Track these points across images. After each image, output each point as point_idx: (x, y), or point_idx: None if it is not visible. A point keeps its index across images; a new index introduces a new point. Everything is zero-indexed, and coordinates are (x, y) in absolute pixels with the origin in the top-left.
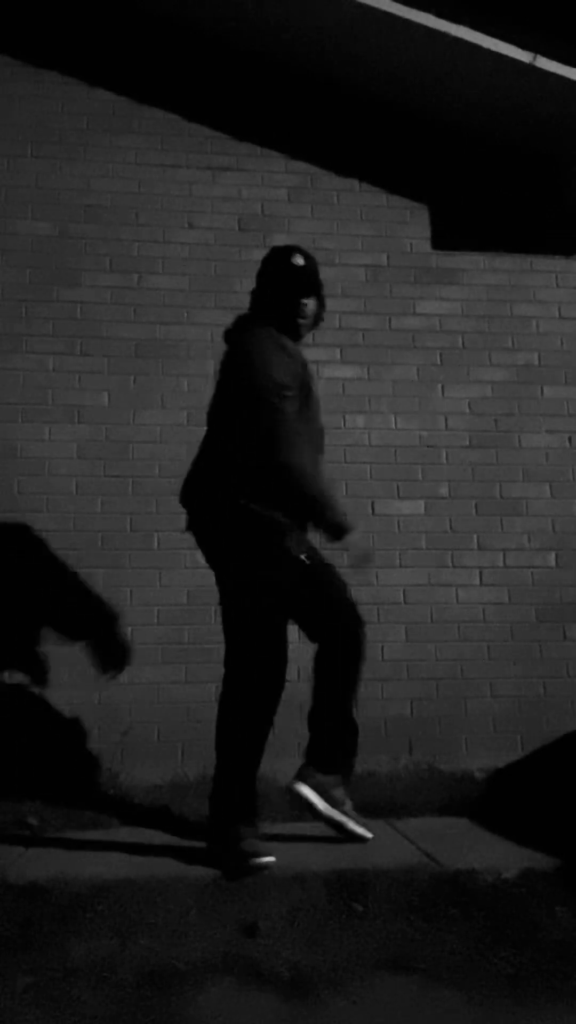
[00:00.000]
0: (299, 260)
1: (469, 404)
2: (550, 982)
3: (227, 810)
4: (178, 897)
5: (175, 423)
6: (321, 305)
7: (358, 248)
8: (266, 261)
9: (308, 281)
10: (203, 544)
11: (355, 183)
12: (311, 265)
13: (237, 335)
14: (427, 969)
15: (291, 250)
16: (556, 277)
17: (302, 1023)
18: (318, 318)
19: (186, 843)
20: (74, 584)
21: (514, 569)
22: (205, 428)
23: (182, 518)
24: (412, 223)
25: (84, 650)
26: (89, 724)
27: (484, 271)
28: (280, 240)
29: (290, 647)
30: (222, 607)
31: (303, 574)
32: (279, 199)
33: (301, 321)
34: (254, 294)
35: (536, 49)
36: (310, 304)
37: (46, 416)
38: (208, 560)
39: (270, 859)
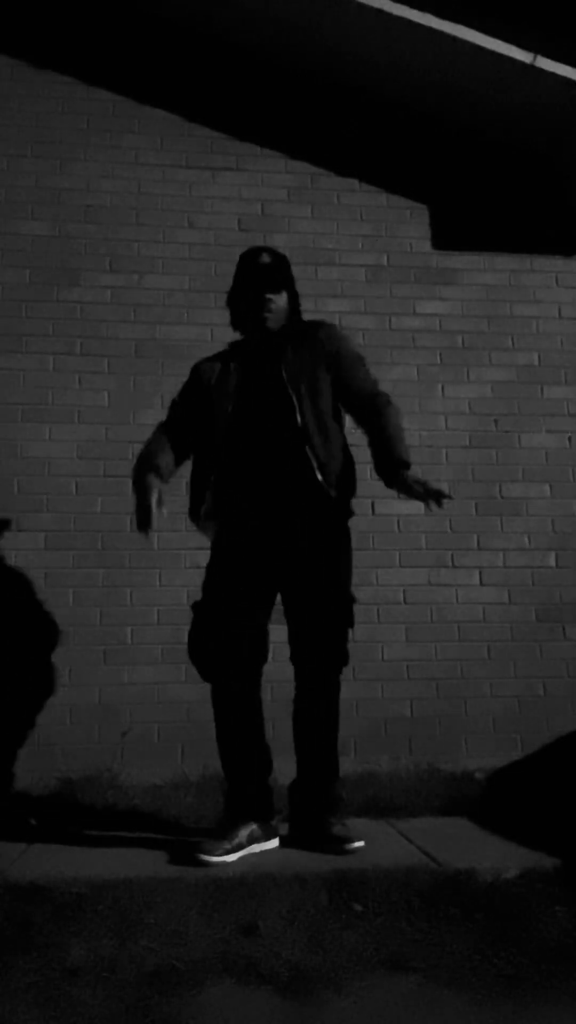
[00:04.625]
0: (264, 259)
1: (469, 404)
2: (550, 982)
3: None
4: (178, 897)
5: None
6: (293, 299)
7: (358, 248)
8: (237, 264)
9: (272, 277)
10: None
11: (355, 183)
12: (276, 262)
13: None
14: (427, 969)
15: (257, 250)
16: (556, 277)
17: (302, 1023)
18: (293, 312)
19: (186, 843)
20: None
21: (514, 569)
22: None
23: (182, 518)
24: (412, 223)
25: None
26: (89, 724)
27: (484, 271)
28: (280, 240)
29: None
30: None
31: None
32: (279, 199)
33: (267, 315)
34: (229, 294)
35: (536, 49)
36: (276, 299)
37: (46, 416)
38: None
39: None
